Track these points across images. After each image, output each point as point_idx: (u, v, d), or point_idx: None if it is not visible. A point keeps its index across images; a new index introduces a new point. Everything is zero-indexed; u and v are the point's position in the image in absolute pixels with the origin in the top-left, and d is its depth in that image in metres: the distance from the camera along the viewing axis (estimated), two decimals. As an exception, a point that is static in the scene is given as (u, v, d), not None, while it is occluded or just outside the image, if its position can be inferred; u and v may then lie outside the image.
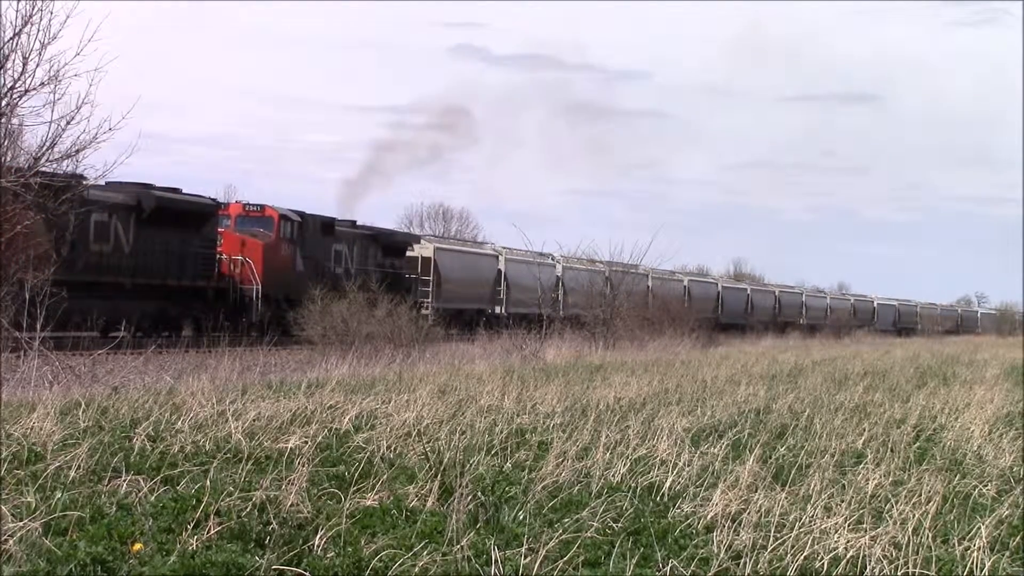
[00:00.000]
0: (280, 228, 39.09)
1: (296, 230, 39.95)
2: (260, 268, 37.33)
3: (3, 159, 18.30)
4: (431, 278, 49.30)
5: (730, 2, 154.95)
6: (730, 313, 72.69)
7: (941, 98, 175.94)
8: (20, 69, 17.75)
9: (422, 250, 49.78)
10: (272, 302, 37.55)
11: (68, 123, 18.21)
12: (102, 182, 24.78)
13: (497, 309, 55.34)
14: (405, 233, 51.55)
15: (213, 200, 37.25)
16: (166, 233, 33.02)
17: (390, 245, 46.23)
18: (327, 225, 41.98)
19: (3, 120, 18.07)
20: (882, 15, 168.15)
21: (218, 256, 36.59)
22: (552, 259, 60.75)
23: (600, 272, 58.20)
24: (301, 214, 40.47)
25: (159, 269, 33.25)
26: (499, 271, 56.28)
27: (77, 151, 18.59)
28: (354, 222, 44.91)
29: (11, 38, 17.69)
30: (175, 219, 33.41)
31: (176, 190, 34.79)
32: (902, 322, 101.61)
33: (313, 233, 40.85)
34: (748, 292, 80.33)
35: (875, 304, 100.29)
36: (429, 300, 47.47)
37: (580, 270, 57.74)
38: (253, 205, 39.48)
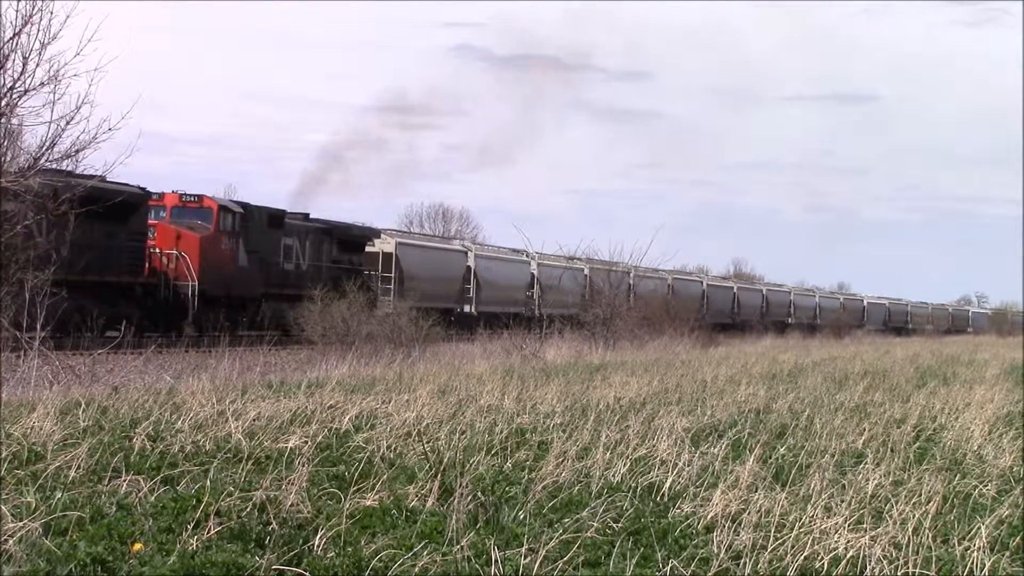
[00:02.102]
0: (220, 220, 36.27)
1: (238, 222, 37.15)
2: (196, 263, 34.61)
3: (3, 159, 18.30)
4: (393, 275, 46.78)
5: (731, 2, 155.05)
6: (716, 312, 70.04)
7: (941, 98, 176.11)
8: (20, 69, 17.75)
9: (383, 245, 47.24)
10: (211, 300, 35.05)
11: (68, 123, 18.20)
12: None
13: (467, 308, 52.68)
14: (363, 227, 48.00)
15: (142, 189, 33.58)
16: (86, 224, 28.54)
17: (347, 239, 43.51)
18: (275, 217, 39.30)
19: (3, 120, 18.07)
20: (882, 15, 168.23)
21: (150, 250, 33.94)
22: (526, 256, 58.82)
23: (578, 269, 57.35)
24: (244, 205, 38.01)
25: (77, 264, 29.23)
26: (468, 268, 53.74)
27: (77, 151, 18.59)
28: (307, 215, 42.49)
29: (11, 38, 17.68)
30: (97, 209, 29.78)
31: (100, 178, 31.68)
32: (892, 321, 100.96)
33: (258, 226, 38.07)
34: (734, 290, 78.73)
35: (865, 303, 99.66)
36: (391, 298, 44.07)
37: (556, 267, 56.44)
38: (190, 195, 36.34)
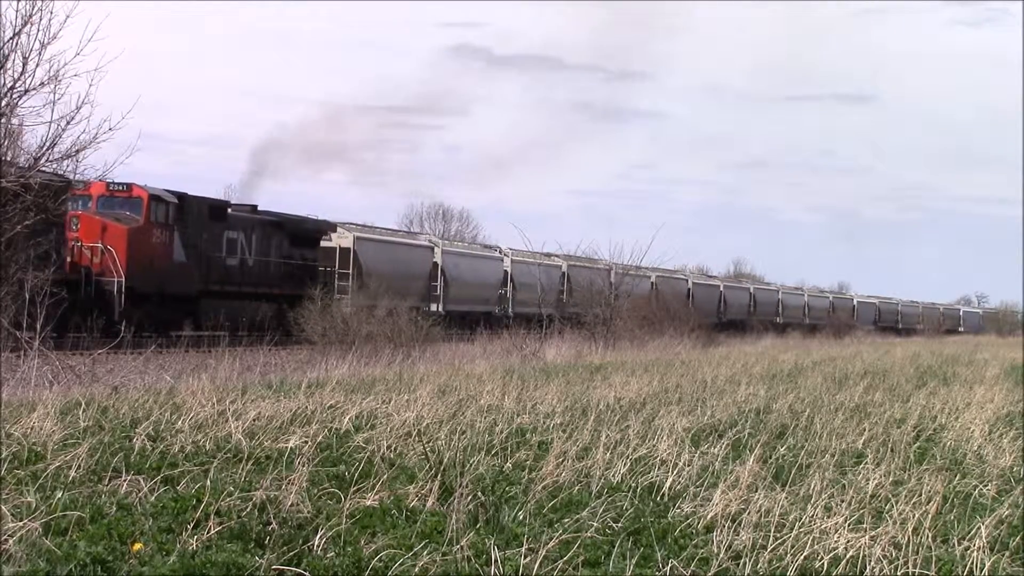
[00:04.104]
0: (151, 211, 33.56)
1: (173, 213, 34.52)
2: (123, 257, 31.96)
3: (3, 159, 18.31)
4: (350, 271, 44.07)
5: (730, 2, 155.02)
6: (702, 311, 65.02)
7: (941, 98, 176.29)
8: (20, 69, 17.78)
9: (340, 240, 44.47)
10: (141, 298, 32.44)
11: (68, 123, 18.25)
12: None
13: (433, 307, 49.00)
14: (317, 220, 44.55)
15: (60, 177, 31.48)
16: None
17: (299, 234, 40.92)
18: (217, 209, 36.89)
19: (3, 120, 18.08)
20: (882, 15, 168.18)
21: (72, 243, 31.10)
22: (499, 252, 57.14)
23: (555, 266, 56.19)
24: (181, 195, 35.22)
25: None
26: (435, 264, 51.04)
27: (77, 151, 18.64)
28: (254, 207, 40.05)
29: (11, 38, 17.71)
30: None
31: (11, 163, 28.79)
32: (883, 320, 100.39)
33: (198, 218, 35.54)
34: (721, 289, 77.06)
35: (855, 302, 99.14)
36: (348, 297, 41.45)
37: (532, 264, 54.06)
38: (118, 184, 32.67)
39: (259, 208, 40.51)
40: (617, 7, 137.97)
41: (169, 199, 34.68)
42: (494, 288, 55.86)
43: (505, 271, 56.24)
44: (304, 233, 41.52)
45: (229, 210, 37.90)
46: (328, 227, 44.30)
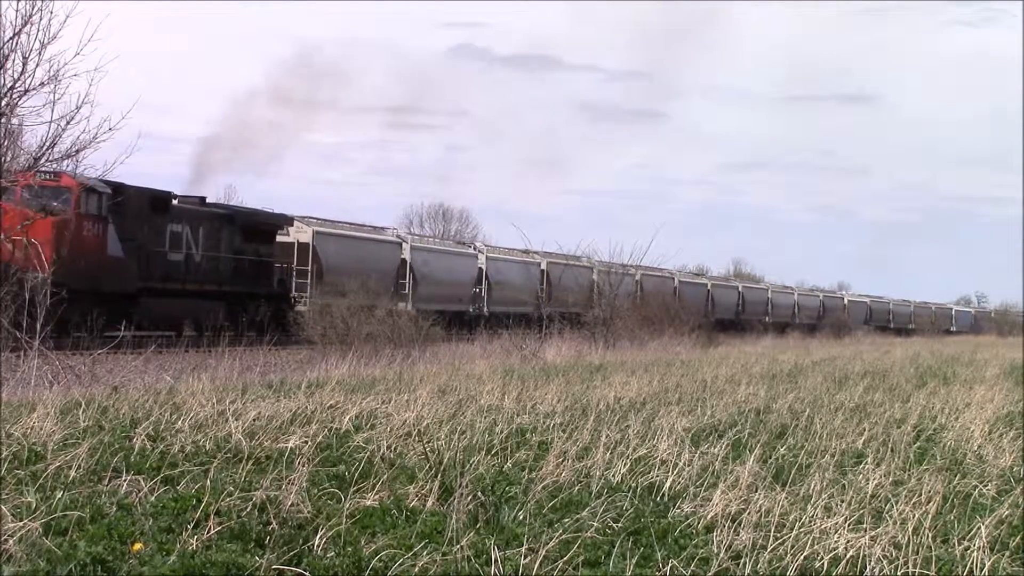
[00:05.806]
0: (82, 202, 31.25)
1: (107, 204, 32.10)
2: (49, 252, 29.09)
3: (3, 159, 18.32)
4: (309, 268, 41.94)
5: (731, 2, 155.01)
6: (690, 311, 62.14)
7: (941, 98, 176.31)
8: (20, 69, 17.78)
9: (298, 234, 42.16)
10: (70, 296, 28.57)
11: (68, 123, 18.24)
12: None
13: (400, 305, 45.54)
14: (272, 213, 41.33)
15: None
16: None
17: (252, 227, 38.53)
18: (159, 200, 34.49)
19: (3, 120, 18.09)
20: (882, 15, 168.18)
21: None
22: (474, 248, 55.57)
23: (534, 264, 55.12)
24: (117, 185, 32.34)
25: None
26: (403, 260, 48.77)
27: (77, 151, 18.63)
28: (203, 199, 38.03)
29: (11, 38, 17.72)
30: None
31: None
32: (874, 319, 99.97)
33: (137, 210, 33.26)
34: (709, 288, 75.61)
35: (846, 301, 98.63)
36: (307, 295, 39.96)
37: (509, 262, 52.73)
38: (46, 173, 28.61)
39: (207, 200, 38.62)
40: (617, 7, 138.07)
41: (102, 189, 32.18)
42: (467, 286, 53.71)
43: (480, 268, 54.12)
44: (258, 227, 39.21)
45: (174, 202, 35.85)
46: (285, 220, 41.80)
